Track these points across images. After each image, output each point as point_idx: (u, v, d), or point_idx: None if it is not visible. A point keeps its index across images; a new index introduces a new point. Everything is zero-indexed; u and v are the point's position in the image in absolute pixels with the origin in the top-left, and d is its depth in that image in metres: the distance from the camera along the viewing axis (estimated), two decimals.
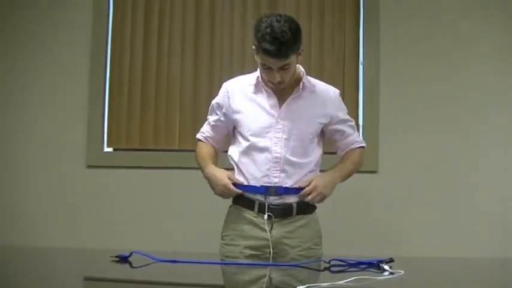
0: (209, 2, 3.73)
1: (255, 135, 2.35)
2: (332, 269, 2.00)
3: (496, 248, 3.38)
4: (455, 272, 2.16)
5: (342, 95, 3.51)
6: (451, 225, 3.51)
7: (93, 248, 2.98)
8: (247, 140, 2.37)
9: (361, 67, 3.69)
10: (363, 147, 2.55)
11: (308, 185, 2.33)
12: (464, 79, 3.61)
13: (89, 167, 3.67)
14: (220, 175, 2.37)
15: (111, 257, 2.06)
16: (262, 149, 2.34)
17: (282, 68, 2.25)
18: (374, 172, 3.58)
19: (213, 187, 2.40)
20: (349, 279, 1.69)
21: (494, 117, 3.58)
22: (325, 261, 2.05)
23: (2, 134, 3.72)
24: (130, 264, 2.05)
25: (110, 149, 3.75)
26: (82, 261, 2.25)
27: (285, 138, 2.34)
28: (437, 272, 2.11)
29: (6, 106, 3.74)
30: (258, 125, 2.36)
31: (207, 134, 2.54)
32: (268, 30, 2.18)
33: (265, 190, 2.33)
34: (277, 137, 2.34)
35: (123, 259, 2.06)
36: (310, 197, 2.34)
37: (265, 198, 2.33)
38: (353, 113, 3.64)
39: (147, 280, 1.93)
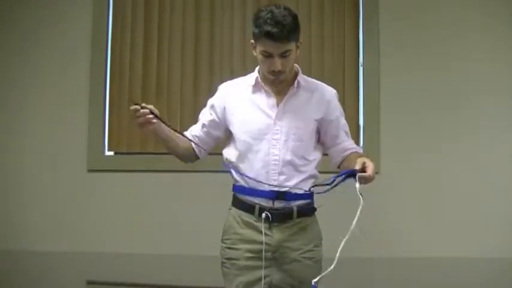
0: (209, 3, 3.74)
1: (252, 137, 2.29)
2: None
3: (499, 248, 3.37)
4: (458, 272, 2.15)
5: (343, 96, 3.55)
6: (453, 225, 3.50)
7: (94, 252, 2.97)
8: (244, 142, 2.30)
9: (361, 68, 3.69)
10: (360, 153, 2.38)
11: (363, 167, 2.18)
12: (466, 79, 3.60)
13: (90, 171, 3.66)
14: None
15: None
16: (260, 152, 2.28)
17: (283, 55, 2.21)
18: (375, 173, 3.56)
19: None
20: None
21: (496, 116, 3.58)
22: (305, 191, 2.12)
23: (2, 137, 3.72)
24: None
25: (111, 153, 3.75)
26: (84, 264, 2.25)
27: (284, 140, 2.29)
28: (440, 272, 2.11)
29: (5, 109, 3.74)
30: (255, 127, 2.30)
31: (196, 133, 2.37)
32: (269, 15, 2.17)
33: (275, 195, 2.31)
34: (275, 139, 2.28)
35: None
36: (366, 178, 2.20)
37: (273, 204, 2.30)
38: (354, 114, 3.64)
39: (149, 283, 1.93)
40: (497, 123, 3.58)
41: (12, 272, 1.94)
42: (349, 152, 2.37)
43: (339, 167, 2.39)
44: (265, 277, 2.22)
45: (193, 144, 2.35)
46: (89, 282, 1.94)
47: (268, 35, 2.16)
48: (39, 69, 3.74)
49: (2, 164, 3.71)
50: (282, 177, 2.28)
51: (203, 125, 2.38)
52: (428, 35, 3.64)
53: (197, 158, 2.40)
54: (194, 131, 2.39)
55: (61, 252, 2.89)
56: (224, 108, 2.36)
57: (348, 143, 2.38)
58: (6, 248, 3.19)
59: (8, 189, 3.68)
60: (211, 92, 2.46)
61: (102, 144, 3.70)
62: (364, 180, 2.17)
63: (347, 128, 2.41)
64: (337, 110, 2.38)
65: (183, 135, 2.34)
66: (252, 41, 2.26)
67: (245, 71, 2.53)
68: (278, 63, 2.22)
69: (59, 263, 2.25)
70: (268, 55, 2.22)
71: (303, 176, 2.32)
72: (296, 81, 2.33)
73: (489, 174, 3.54)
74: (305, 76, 2.40)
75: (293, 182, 2.29)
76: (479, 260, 2.69)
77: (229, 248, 2.35)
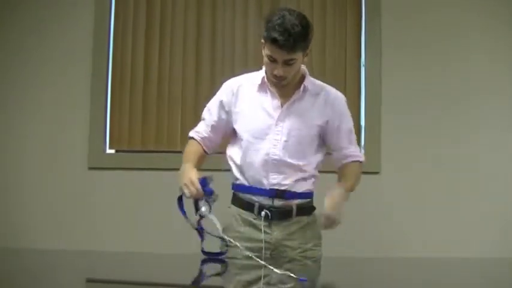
0: (211, 2, 3.74)
1: (253, 136, 2.33)
2: None
3: (499, 248, 3.38)
4: (458, 271, 2.15)
5: (344, 96, 3.55)
6: (452, 225, 3.51)
7: (94, 250, 2.98)
8: (246, 141, 2.34)
9: (362, 68, 3.69)
10: (360, 161, 2.43)
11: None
12: (466, 79, 3.61)
13: (91, 168, 3.67)
14: (191, 172, 2.26)
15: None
16: (261, 151, 2.31)
17: (287, 63, 2.22)
18: (376, 173, 3.58)
19: (180, 178, 2.30)
20: None
21: (496, 116, 3.59)
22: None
23: (2, 135, 3.72)
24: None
25: (112, 151, 3.76)
26: (84, 263, 2.25)
27: (284, 141, 2.31)
28: (440, 272, 2.11)
29: (6, 107, 3.74)
30: (257, 126, 2.33)
31: (205, 134, 2.43)
32: (279, 21, 2.16)
33: (275, 194, 2.31)
34: (276, 139, 2.31)
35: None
36: (325, 227, 2.26)
37: (273, 202, 2.31)
38: (355, 114, 3.62)
39: (148, 282, 1.93)
40: (497, 123, 3.59)
41: (12, 269, 1.95)
42: (349, 160, 2.40)
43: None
44: (264, 276, 2.22)
45: (203, 146, 2.43)
46: (89, 281, 1.94)
47: (274, 42, 2.17)
48: (39, 69, 3.75)
49: (2, 164, 3.71)
50: (282, 176, 2.29)
51: (212, 127, 2.42)
52: (429, 35, 3.65)
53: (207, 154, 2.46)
54: (203, 132, 2.43)
55: (61, 250, 2.89)
56: (232, 105, 2.38)
57: (349, 151, 2.41)
58: (6, 246, 3.20)
59: (8, 187, 3.69)
60: (213, 94, 2.46)
61: (103, 142, 3.71)
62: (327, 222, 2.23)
63: (351, 134, 2.43)
64: (340, 115, 2.39)
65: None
66: (262, 40, 2.27)
67: (247, 69, 2.53)
68: (280, 70, 2.24)
69: (59, 261, 2.25)
70: (272, 60, 2.24)
71: (303, 175, 2.33)
72: (302, 86, 2.34)
73: (489, 174, 3.55)
74: (312, 79, 2.40)
75: (291, 180, 2.30)
76: (479, 260, 2.69)
77: (228, 246, 2.36)
